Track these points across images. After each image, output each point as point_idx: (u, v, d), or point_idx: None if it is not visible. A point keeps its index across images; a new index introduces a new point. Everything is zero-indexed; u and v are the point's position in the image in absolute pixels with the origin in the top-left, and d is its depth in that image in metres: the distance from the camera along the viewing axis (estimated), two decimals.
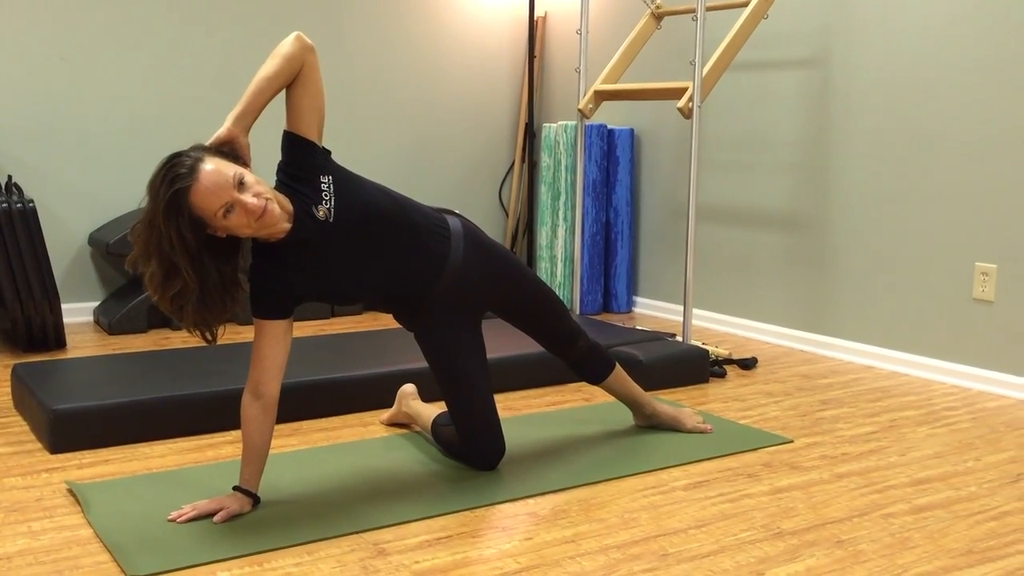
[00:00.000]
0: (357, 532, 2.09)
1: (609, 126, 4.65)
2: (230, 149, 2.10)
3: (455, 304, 2.42)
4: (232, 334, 3.46)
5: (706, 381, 3.45)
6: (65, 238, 4.25)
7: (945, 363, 3.52)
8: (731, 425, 2.90)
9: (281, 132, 2.20)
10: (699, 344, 3.68)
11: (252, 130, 2.15)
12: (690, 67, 3.57)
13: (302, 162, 2.19)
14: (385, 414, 2.91)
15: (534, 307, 2.58)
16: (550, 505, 2.27)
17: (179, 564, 1.91)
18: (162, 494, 2.27)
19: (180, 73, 4.42)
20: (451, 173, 5.17)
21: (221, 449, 2.65)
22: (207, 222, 2.03)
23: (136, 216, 2.08)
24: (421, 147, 5.08)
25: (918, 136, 3.57)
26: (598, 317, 4.52)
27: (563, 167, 4.67)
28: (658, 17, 4.14)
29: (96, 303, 4.35)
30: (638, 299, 4.82)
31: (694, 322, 4.37)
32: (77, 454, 2.58)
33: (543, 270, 4.80)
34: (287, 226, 2.14)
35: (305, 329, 4.09)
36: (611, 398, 3.03)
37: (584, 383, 3.24)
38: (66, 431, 2.59)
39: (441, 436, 2.58)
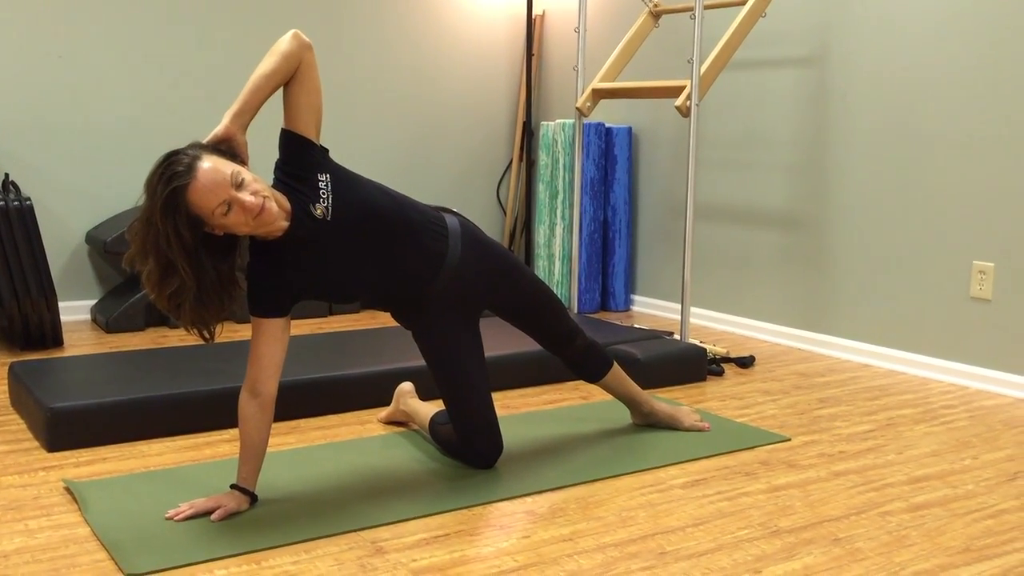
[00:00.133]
0: (355, 530, 2.09)
1: (607, 124, 4.65)
2: (228, 147, 2.10)
3: (453, 302, 2.42)
4: (230, 332, 3.47)
5: (704, 379, 3.45)
6: (62, 236, 4.25)
7: (943, 361, 3.52)
8: (729, 423, 2.91)
9: (279, 130, 2.20)
10: (697, 342, 3.68)
11: (249, 128, 2.15)
12: (688, 65, 3.57)
13: (300, 160, 2.19)
14: (383, 412, 2.91)
15: (532, 305, 2.58)
16: (548, 503, 2.27)
17: (176, 562, 1.91)
18: (159, 492, 2.27)
19: (178, 71, 4.42)
20: (449, 171, 5.17)
21: (218, 447, 2.65)
22: (204, 220, 2.03)
23: (134, 214, 2.08)
24: (419, 145, 5.07)
25: (916, 135, 3.57)
26: (596, 315, 4.52)
27: (561, 165, 4.67)
28: (656, 15, 4.14)
29: (93, 301, 4.34)
30: (636, 297, 4.82)
31: (692, 320, 4.37)
32: (74, 452, 2.58)
33: (541, 268, 4.80)
34: (285, 224, 2.14)
35: (303, 327, 4.09)
36: (609, 396, 3.03)
37: (582, 381, 3.25)
38: (63, 429, 2.59)
39: (439, 434, 2.58)
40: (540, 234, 4.81)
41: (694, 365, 3.44)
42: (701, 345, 3.60)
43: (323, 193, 2.18)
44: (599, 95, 4.02)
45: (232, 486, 2.18)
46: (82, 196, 4.27)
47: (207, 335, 2.13)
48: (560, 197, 4.68)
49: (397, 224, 2.28)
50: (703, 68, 3.56)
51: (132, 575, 1.86)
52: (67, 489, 2.31)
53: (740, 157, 4.23)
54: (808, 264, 3.99)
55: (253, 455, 2.19)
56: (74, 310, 4.28)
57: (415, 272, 2.33)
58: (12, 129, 4.12)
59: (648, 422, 2.85)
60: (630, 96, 4.07)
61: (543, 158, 4.79)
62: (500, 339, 3.26)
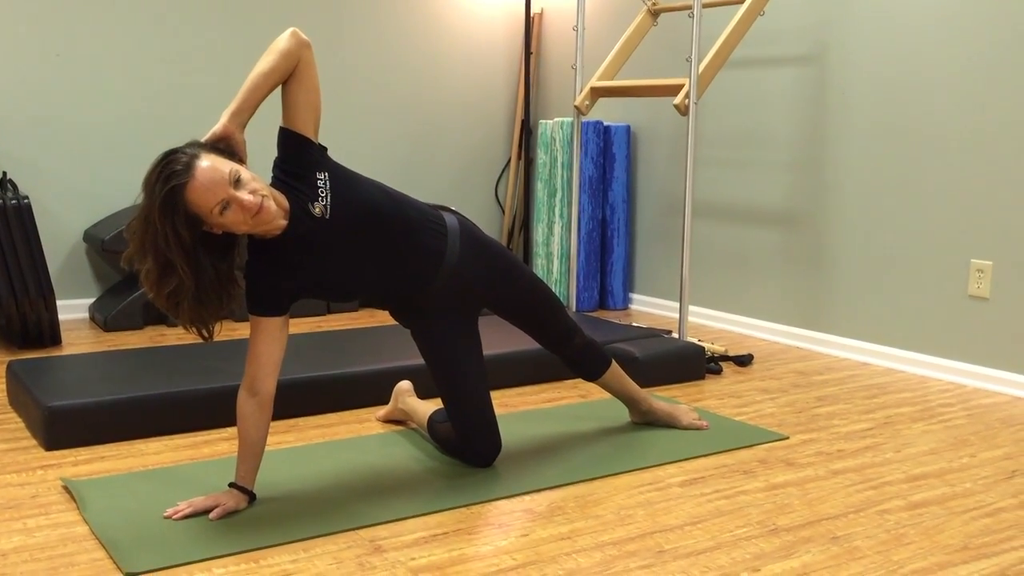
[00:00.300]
0: (353, 529, 2.09)
1: (605, 123, 4.65)
2: (226, 146, 2.09)
3: (452, 301, 2.42)
4: (228, 331, 3.47)
5: (702, 378, 3.45)
6: (60, 234, 4.25)
7: (941, 360, 3.52)
8: (727, 422, 2.91)
9: (277, 128, 2.19)
10: (695, 341, 3.68)
11: (248, 126, 2.15)
12: (686, 64, 3.57)
13: (298, 159, 2.19)
14: (381, 411, 2.91)
15: (530, 304, 2.58)
16: (546, 502, 2.27)
17: (175, 561, 1.91)
18: (158, 491, 2.27)
19: (176, 69, 4.41)
20: (447, 169, 5.17)
21: (217, 446, 2.65)
22: (203, 219, 2.02)
23: (132, 212, 2.08)
24: (417, 143, 5.07)
25: (914, 133, 3.57)
26: (594, 314, 4.52)
27: (559, 164, 4.67)
28: (654, 14, 4.14)
29: (91, 300, 4.34)
30: (634, 296, 4.82)
31: (690, 319, 4.37)
32: (72, 451, 2.58)
33: (539, 267, 4.80)
34: (283, 223, 2.14)
35: (301, 326, 4.09)
36: (607, 395, 3.03)
37: (580, 380, 3.24)
38: (61, 428, 2.59)
39: (437, 433, 2.58)
40: (538, 232, 4.81)
41: (692, 363, 3.44)
42: (699, 343, 3.60)
43: (322, 192, 2.18)
44: (597, 93, 4.02)
45: (230, 485, 2.18)
46: (80, 194, 4.27)
47: (206, 334, 2.13)
48: (559, 195, 4.68)
49: (396, 223, 2.28)
50: (701, 66, 3.56)
51: (130, 574, 1.86)
52: (65, 488, 2.31)
53: (738, 155, 4.23)
54: (806, 262, 3.99)
55: (251, 454, 2.19)
56: (72, 308, 4.27)
57: (414, 271, 2.33)
58: (10, 127, 4.12)
59: (646, 420, 2.85)
60: (628, 94, 4.07)
61: (541, 156, 4.78)
62: (499, 337, 3.25)
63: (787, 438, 2.78)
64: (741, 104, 4.19)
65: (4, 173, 4.01)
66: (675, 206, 4.54)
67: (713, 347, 3.71)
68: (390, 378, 2.96)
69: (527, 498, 2.30)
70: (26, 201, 3.65)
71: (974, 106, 3.39)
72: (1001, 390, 3.33)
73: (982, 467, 2.57)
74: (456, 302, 2.43)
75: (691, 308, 4.40)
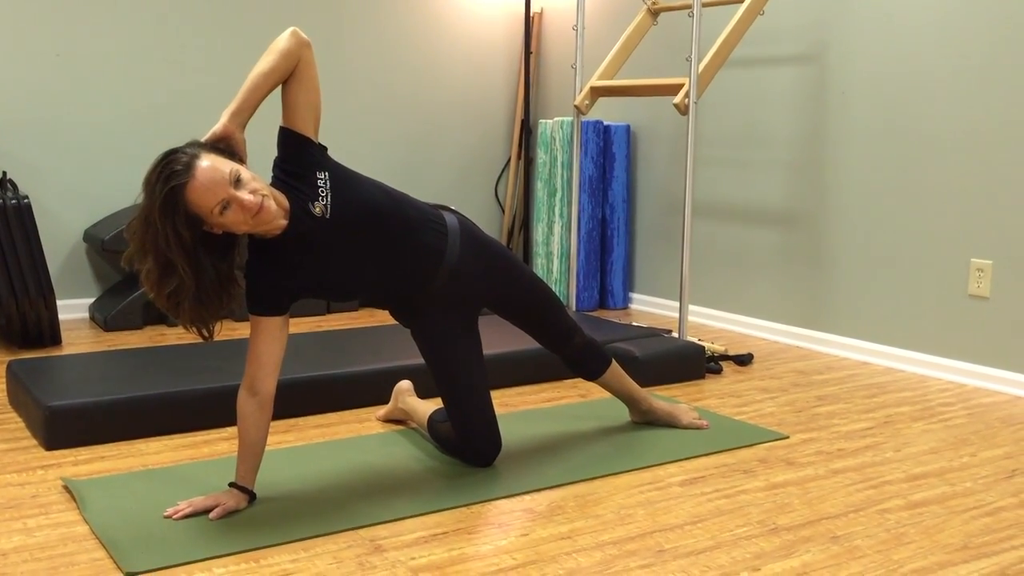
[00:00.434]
0: (354, 528, 2.09)
1: (605, 122, 4.65)
2: (226, 145, 2.09)
3: (452, 301, 2.42)
4: (229, 331, 3.47)
5: (702, 377, 3.45)
6: (60, 234, 4.25)
7: (941, 359, 3.53)
8: (727, 421, 2.91)
9: (277, 128, 2.19)
10: (695, 340, 3.68)
11: (248, 126, 2.15)
12: (686, 63, 3.57)
13: (298, 158, 2.19)
14: (381, 410, 2.91)
15: (530, 304, 2.58)
16: (546, 501, 2.27)
17: (175, 561, 1.91)
18: (158, 491, 2.27)
19: (176, 69, 4.41)
20: (447, 169, 5.17)
21: (217, 446, 2.65)
22: (203, 219, 2.02)
23: (132, 212, 2.08)
24: (417, 143, 5.07)
25: (914, 132, 3.57)
26: (594, 313, 4.52)
27: (559, 163, 4.67)
28: (654, 13, 4.14)
29: (91, 299, 4.34)
30: (634, 295, 4.82)
31: (690, 318, 4.37)
32: (73, 451, 2.58)
33: (539, 266, 4.80)
34: (284, 223, 2.14)
35: (301, 325, 4.09)
36: (607, 394, 3.03)
37: (580, 379, 3.24)
38: (61, 428, 2.59)
39: (437, 432, 2.58)
40: (538, 232, 4.81)
41: (692, 363, 3.44)
42: (699, 343, 3.60)
43: (322, 191, 2.18)
44: (597, 93, 4.02)
45: (231, 484, 2.19)
46: (80, 194, 4.27)
47: (206, 334, 2.13)
48: (558, 195, 4.68)
49: (396, 222, 2.28)
50: (701, 66, 3.56)
51: (131, 573, 1.86)
52: (65, 488, 2.31)
53: (738, 155, 4.23)
54: (806, 262, 3.99)
55: (252, 453, 2.19)
56: (72, 308, 4.27)
57: (414, 270, 2.33)
58: (10, 127, 4.12)
59: (646, 420, 2.85)
60: (628, 94, 4.07)
61: (541, 156, 4.78)
62: (499, 337, 3.25)
63: (787, 437, 2.78)
64: (741, 103, 4.19)
65: (4, 173, 4.01)
66: (675, 205, 4.54)
67: (713, 346, 3.71)
68: (390, 378, 2.96)
69: (527, 498, 2.30)
70: (26, 201, 3.65)
71: (974, 105, 3.39)
72: (1001, 389, 3.33)
73: (982, 466, 2.57)
74: (456, 302, 2.43)
75: (691, 307, 4.40)
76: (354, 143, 4.81)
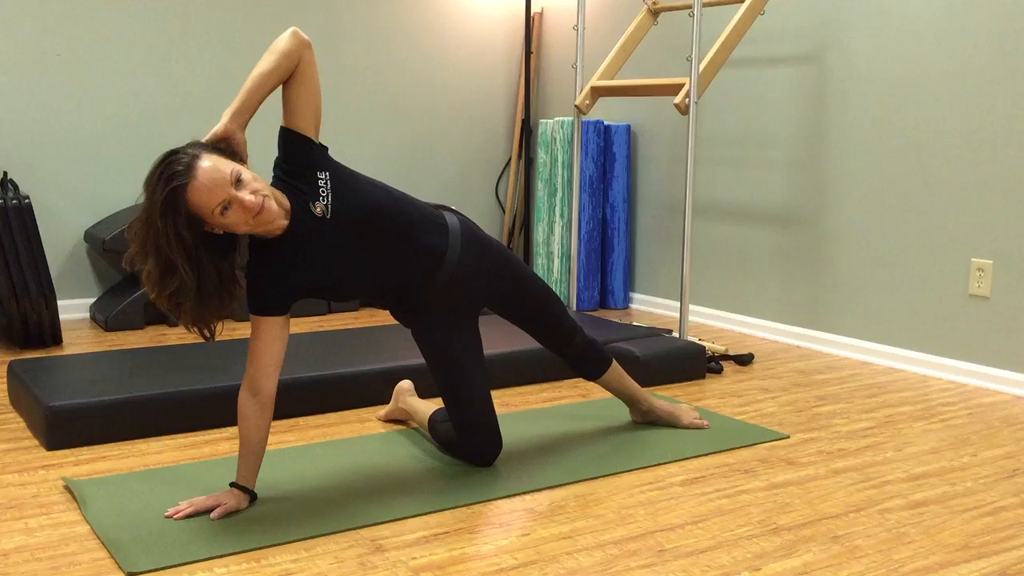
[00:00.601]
0: (355, 528, 2.09)
1: (606, 122, 4.65)
2: (227, 146, 2.10)
3: (452, 301, 2.42)
4: (229, 331, 3.46)
5: (703, 377, 3.45)
6: (61, 234, 4.25)
7: (941, 359, 3.53)
8: (727, 421, 2.91)
9: (278, 128, 2.19)
10: (696, 340, 3.68)
11: (249, 126, 2.15)
12: (686, 63, 3.57)
13: (299, 158, 2.19)
14: (382, 410, 2.91)
15: (531, 304, 2.58)
16: (547, 501, 2.27)
17: (176, 561, 1.92)
18: (159, 491, 2.27)
19: (177, 69, 4.42)
20: (448, 169, 5.17)
21: (218, 446, 2.65)
22: (204, 219, 2.03)
23: (132, 212, 2.08)
24: (418, 143, 5.07)
25: (914, 132, 3.57)
26: (595, 313, 4.52)
27: (560, 163, 4.67)
28: (655, 13, 4.14)
29: (92, 299, 4.34)
30: (635, 295, 4.82)
31: (691, 318, 4.38)
32: (74, 451, 2.58)
33: (540, 266, 4.80)
34: (284, 223, 2.14)
35: (302, 325, 4.09)
36: (608, 394, 3.04)
37: (581, 379, 3.25)
38: (62, 428, 2.59)
39: (438, 432, 2.58)
40: (539, 232, 4.81)
41: (693, 363, 3.44)
42: (700, 343, 3.60)
43: (323, 191, 2.18)
44: (598, 93, 4.02)
45: (232, 484, 2.19)
46: (81, 194, 4.27)
47: (207, 334, 2.13)
48: (559, 195, 4.68)
49: (397, 222, 2.28)
50: (702, 66, 3.56)
51: (132, 573, 1.86)
52: (66, 487, 2.31)
53: (739, 155, 4.23)
54: (807, 261, 3.99)
55: (252, 453, 2.19)
56: (73, 308, 4.28)
57: (415, 270, 2.33)
58: (11, 127, 4.12)
59: (647, 420, 2.85)
60: (629, 94, 4.07)
61: (542, 156, 4.79)
62: (499, 337, 3.26)
63: (788, 437, 2.78)
64: (742, 103, 4.19)
65: (5, 173, 4.01)
66: (675, 205, 4.54)
67: (714, 346, 3.71)
68: (391, 378, 2.96)
69: (528, 497, 2.30)
70: (27, 201, 3.65)
71: (974, 105, 3.39)
72: (1002, 389, 3.33)
73: (983, 466, 2.57)
74: (457, 302, 2.43)
75: (692, 307, 4.40)
76: (355, 143, 4.81)
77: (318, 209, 2.17)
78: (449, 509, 2.21)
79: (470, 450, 2.48)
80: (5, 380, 3.17)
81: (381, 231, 2.26)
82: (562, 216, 4.66)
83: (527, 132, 5.14)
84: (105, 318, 4.05)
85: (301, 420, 2.88)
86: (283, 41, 2.14)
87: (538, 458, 2.56)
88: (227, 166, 2.02)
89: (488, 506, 2.24)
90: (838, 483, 2.42)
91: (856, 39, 3.74)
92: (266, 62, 2.12)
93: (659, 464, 2.53)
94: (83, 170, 4.27)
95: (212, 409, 2.76)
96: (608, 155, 4.65)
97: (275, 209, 2.08)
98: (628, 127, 4.68)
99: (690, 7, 3.60)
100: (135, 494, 2.25)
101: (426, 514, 2.18)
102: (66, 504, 2.22)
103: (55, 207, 4.22)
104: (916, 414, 3.05)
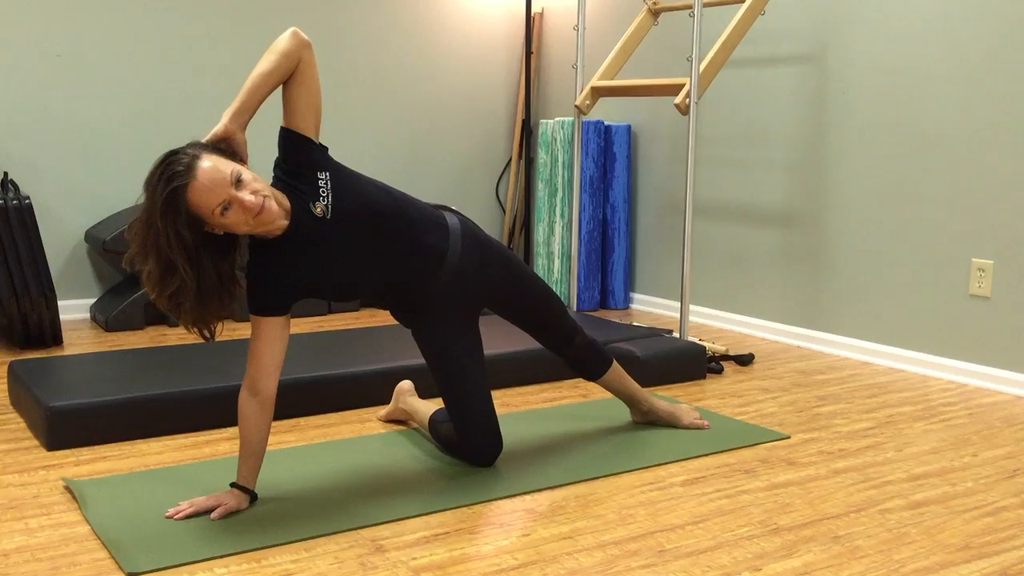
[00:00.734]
0: (355, 529, 2.09)
1: (606, 122, 4.65)
2: (227, 146, 2.10)
3: (453, 301, 2.42)
4: (230, 331, 3.46)
5: (703, 377, 3.45)
6: (61, 235, 4.25)
7: (942, 359, 3.52)
8: (728, 421, 2.91)
9: (278, 128, 2.19)
10: (696, 340, 3.68)
11: (249, 126, 2.15)
12: (687, 63, 3.57)
13: (299, 158, 2.19)
14: (382, 410, 2.91)
15: (531, 304, 2.58)
16: (547, 501, 2.27)
17: (176, 561, 1.91)
18: (159, 491, 2.27)
19: (177, 69, 4.42)
20: (448, 169, 5.17)
21: (218, 446, 2.65)
22: (204, 220, 2.03)
23: (133, 213, 2.08)
24: (418, 143, 5.07)
25: (914, 132, 3.57)
26: (595, 313, 4.52)
27: (560, 163, 4.67)
28: (655, 13, 4.14)
29: (93, 300, 4.34)
30: (635, 295, 4.82)
31: (691, 318, 4.37)
32: (74, 451, 2.58)
33: (540, 267, 4.80)
34: (285, 223, 2.14)
35: (302, 326, 4.09)
36: (608, 394, 3.03)
37: (581, 379, 3.25)
38: (63, 428, 2.59)
39: (438, 433, 2.58)
40: (539, 232, 4.81)
41: (693, 363, 3.44)
42: (700, 343, 3.60)
43: (323, 191, 2.18)
44: (598, 93, 4.02)
45: (232, 484, 2.19)
46: (81, 195, 4.27)
47: (207, 334, 2.13)
48: (559, 195, 4.68)
49: (397, 222, 2.28)
50: (702, 66, 3.56)
51: (132, 574, 1.86)
52: (67, 488, 2.31)
53: (739, 155, 4.23)
54: (807, 262, 3.99)
55: (253, 453, 2.19)
56: (73, 309, 4.28)
57: (415, 271, 2.33)
58: (11, 128, 4.12)
59: (647, 420, 2.85)
60: (629, 94, 4.07)
61: (542, 156, 4.79)
62: (500, 337, 3.26)
63: (788, 437, 2.78)
64: (742, 103, 4.19)
65: (5, 174, 4.01)
66: (676, 205, 4.54)
67: (714, 346, 3.71)
68: (391, 378, 2.96)
69: (528, 498, 2.30)
70: (27, 202, 3.65)
71: (974, 105, 3.39)
72: (1002, 389, 3.33)
73: (983, 466, 2.57)
74: (457, 302, 2.43)
75: (692, 307, 4.40)
76: (355, 143, 4.81)
77: (318, 209, 2.17)
78: (450, 509, 2.21)
79: (470, 450, 2.48)
80: (5, 380, 3.18)
81: (381, 231, 2.26)
82: (562, 216, 4.66)
83: (527, 132, 5.13)
84: (105, 318, 4.05)
85: (302, 420, 2.88)
86: (283, 41, 2.14)
87: (538, 458, 2.56)
88: (227, 166, 2.02)
89: (488, 506, 2.24)
90: (839, 483, 2.42)
91: (856, 39, 3.74)
92: (266, 62, 2.12)
93: (660, 464, 2.53)
94: (83, 170, 4.27)
95: (212, 409, 2.76)
96: (608, 155, 4.65)
97: (275, 209, 2.08)
98: (628, 127, 4.68)
99: (690, 7, 3.60)
100: (135, 494, 2.25)
101: (426, 514, 2.18)
102: (66, 504, 2.22)
103: (55, 207, 4.22)
104: (917, 414, 3.04)
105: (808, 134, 3.94)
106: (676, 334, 3.72)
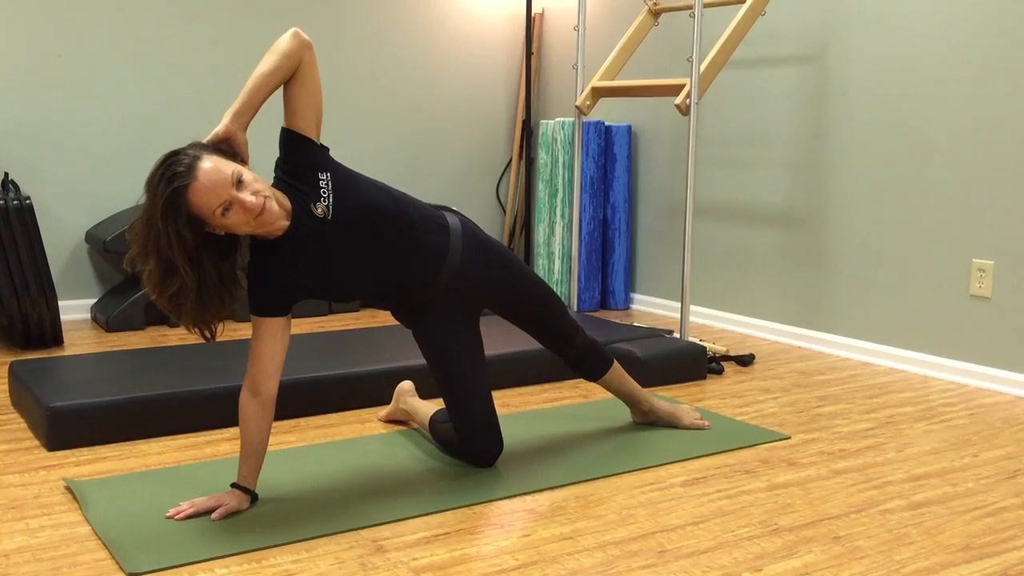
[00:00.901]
0: (355, 529, 2.09)
1: (606, 123, 4.65)
2: (228, 147, 2.10)
3: (453, 301, 2.42)
4: (230, 331, 3.46)
5: (703, 378, 3.45)
6: (62, 235, 4.25)
7: (942, 359, 3.53)
8: (728, 421, 2.91)
9: (279, 129, 2.20)
10: (696, 341, 3.68)
11: (250, 127, 2.15)
12: (687, 64, 3.57)
13: (300, 159, 2.19)
14: (383, 411, 2.91)
15: (532, 304, 2.58)
16: (548, 502, 2.27)
17: (177, 561, 1.92)
18: (160, 491, 2.27)
19: (177, 70, 4.42)
20: (448, 170, 5.17)
21: (219, 446, 2.65)
22: (205, 220, 2.03)
23: (133, 213, 2.08)
24: (419, 144, 5.07)
25: (915, 132, 3.57)
26: (596, 314, 4.52)
27: (560, 164, 4.67)
28: (655, 14, 4.14)
29: (93, 300, 4.34)
30: (636, 296, 4.82)
31: (691, 319, 4.37)
32: (75, 451, 2.58)
33: (541, 267, 4.80)
34: (285, 224, 2.14)
35: (303, 326, 4.09)
36: (609, 395, 3.03)
37: (582, 380, 3.25)
38: (63, 428, 2.59)
39: (439, 433, 2.58)
40: (540, 232, 4.81)
41: (694, 363, 3.44)
42: (701, 343, 3.60)
43: (324, 192, 2.18)
44: (599, 93, 4.02)
45: (233, 485, 2.19)
46: (82, 195, 4.27)
47: (208, 335, 2.13)
48: (560, 195, 4.68)
49: (398, 223, 2.29)
50: (703, 66, 3.56)
51: (133, 574, 1.87)
52: (67, 488, 2.31)
53: (740, 155, 4.23)
54: (808, 262, 3.99)
55: (253, 454, 2.19)
56: (74, 309, 4.28)
57: (416, 271, 2.33)
58: (11, 128, 4.12)
59: (648, 420, 2.85)
60: (630, 94, 4.07)
61: (543, 156, 4.79)
62: (500, 338, 3.26)
63: (789, 438, 2.78)
64: (742, 104, 4.19)
65: (6, 174, 4.02)
66: (676, 206, 4.54)
67: (714, 347, 3.71)
68: (392, 378, 2.96)
69: (529, 498, 2.30)
70: (28, 202, 3.65)
71: (975, 105, 3.39)
72: (1003, 390, 3.33)
73: (984, 467, 2.57)
74: (458, 302, 2.43)
75: (692, 308, 4.40)
76: (356, 144, 4.81)
77: (319, 210, 2.17)
78: (450, 510, 2.21)
79: (471, 451, 2.48)
80: (6, 381, 3.18)
81: (382, 232, 2.26)
82: (563, 217, 4.66)
83: (528, 133, 5.13)
84: (106, 319, 4.05)
85: (302, 421, 2.88)
86: (284, 42, 2.14)
87: (539, 459, 2.56)
88: (228, 167, 2.02)
89: (489, 507, 2.24)
90: (839, 484, 2.42)
91: (856, 39, 3.74)
92: (267, 63, 2.12)
93: (660, 465, 2.53)
94: (84, 171, 4.28)
95: (213, 410, 2.76)
96: (609, 156, 4.65)
97: (276, 210, 2.08)
98: (629, 128, 4.68)
99: (691, 8, 3.60)
100: (136, 495, 2.25)
101: (427, 515, 2.18)
102: (67, 505, 2.22)
103: (56, 208, 4.22)
104: (917, 415, 3.04)
105: (808, 134, 3.95)
106: (676, 334, 3.72)
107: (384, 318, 4.31)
